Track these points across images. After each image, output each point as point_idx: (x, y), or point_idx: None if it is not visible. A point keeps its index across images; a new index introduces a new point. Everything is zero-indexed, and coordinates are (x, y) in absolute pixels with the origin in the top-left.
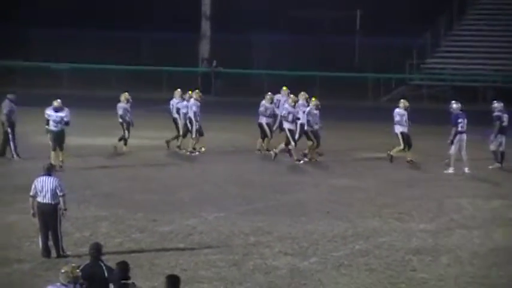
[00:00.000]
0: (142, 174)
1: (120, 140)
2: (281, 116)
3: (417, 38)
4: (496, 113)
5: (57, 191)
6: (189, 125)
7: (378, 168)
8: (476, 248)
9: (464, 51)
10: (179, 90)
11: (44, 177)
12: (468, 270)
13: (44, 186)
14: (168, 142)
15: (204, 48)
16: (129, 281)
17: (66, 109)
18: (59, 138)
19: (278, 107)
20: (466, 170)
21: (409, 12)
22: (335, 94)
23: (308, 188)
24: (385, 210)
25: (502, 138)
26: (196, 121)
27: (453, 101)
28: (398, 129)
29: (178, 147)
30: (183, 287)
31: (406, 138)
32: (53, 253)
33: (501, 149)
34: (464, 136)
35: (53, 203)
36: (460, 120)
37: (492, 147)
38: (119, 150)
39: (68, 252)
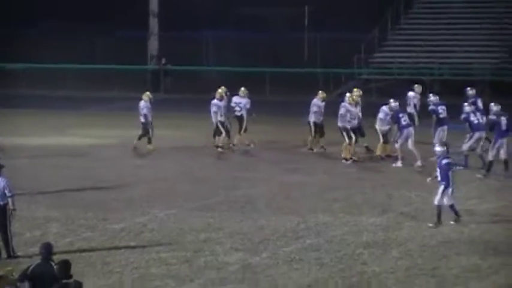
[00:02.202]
0: (92, 172)
1: (139, 139)
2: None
3: (365, 32)
4: (430, 107)
5: (6, 191)
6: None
7: (328, 163)
8: (426, 241)
9: (411, 44)
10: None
11: None
12: (418, 263)
13: None
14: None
15: (153, 46)
16: (71, 280)
17: None
18: None
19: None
20: (419, 163)
21: (356, 7)
22: (285, 90)
23: (259, 183)
24: (336, 205)
25: (444, 131)
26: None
27: (391, 100)
28: (340, 122)
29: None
30: (135, 285)
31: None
32: (4, 254)
33: (444, 140)
34: (411, 129)
35: (1, 203)
36: (401, 115)
37: (435, 141)
38: (147, 150)
39: (19, 253)
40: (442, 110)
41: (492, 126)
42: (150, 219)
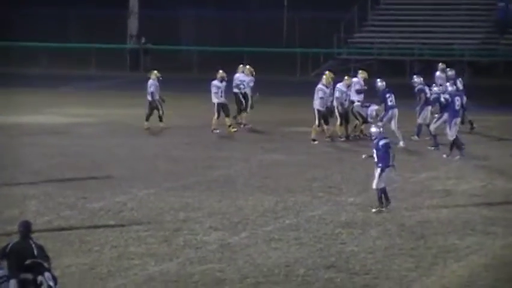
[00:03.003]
0: (71, 151)
1: (147, 119)
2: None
3: (345, 12)
4: (418, 87)
5: None
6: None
7: (308, 143)
8: (404, 221)
9: (391, 25)
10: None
11: None
12: (397, 242)
13: None
14: (235, 117)
15: (132, 25)
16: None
17: None
18: None
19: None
20: (401, 143)
21: None
22: (264, 69)
23: (238, 163)
24: (315, 184)
25: (428, 111)
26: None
27: (378, 79)
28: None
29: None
30: (114, 263)
31: (323, 114)
32: None
33: (427, 121)
34: (396, 110)
35: None
36: (388, 95)
37: (419, 120)
38: (159, 128)
39: None
40: (427, 89)
41: (445, 106)
42: (129, 199)
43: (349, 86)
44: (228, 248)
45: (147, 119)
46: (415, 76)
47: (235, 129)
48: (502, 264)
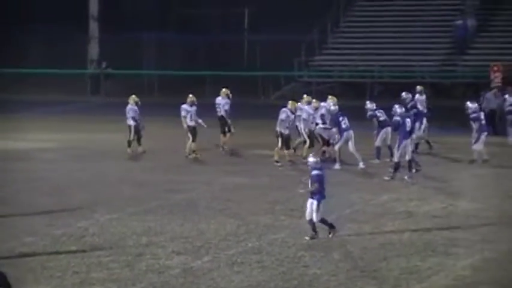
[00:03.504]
0: (33, 176)
1: (139, 143)
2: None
3: (305, 34)
4: (369, 113)
5: None
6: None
7: (269, 166)
8: (366, 243)
9: (351, 47)
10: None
11: None
12: (359, 265)
13: None
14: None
15: (93, 50)
16: None
17: None
18: None
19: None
20: (361, 165)
21: (296, 9)
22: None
23: (200, 186)
24: (277, 207)
25: (387, 134)
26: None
27: (331, 103)
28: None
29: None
30: None
31: (286, 138)
32: None
33: (388, 142)
34: (351, 132)
35: None
36: (341, 118)
37: (376, 143)
38: (139, 151)
39: None
40: (380, 113)
41: (396, 128)
42: (91, 224)
43: (316, 109)
44: (191, 273)
45: (130, 145)
46: (367, 102)
47: (199, 155)
48: (463, 285)
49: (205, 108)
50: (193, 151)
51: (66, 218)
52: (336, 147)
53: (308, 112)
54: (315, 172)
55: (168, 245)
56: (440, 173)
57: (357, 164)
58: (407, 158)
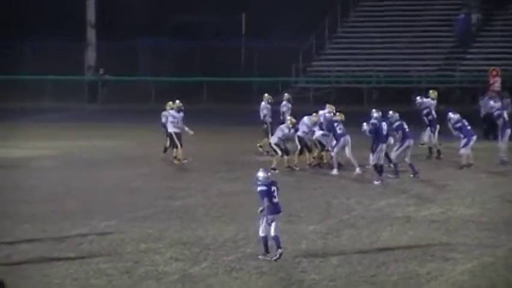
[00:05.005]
0: (29, 184)
1: (175, 148)
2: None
3: (302, 41)
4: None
5: None
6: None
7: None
8: (365, 248)
9: (349, 53)
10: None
11: None
12: (358, 270)
13: None
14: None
15: (90, 56)
16: None
17: None
18: None
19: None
20: (358, 170)
21: (293, 16)
22: (221, 99)
23: (197, 193)
24: None
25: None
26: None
27: (326, 111)
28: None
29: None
30: None
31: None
32: None
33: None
34: (348, 137)
35: None
36: (336, 124)
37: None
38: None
39: None
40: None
41: (372, 131)
42: (89, 231)
43: (315, 123)
44: (189, 279)
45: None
46: (374, 110)
47: (186, 160)
48: None
49: (203, 115)
50: (176, 157)
51: (63, 225)
52: (333, 152)
53: (307, 125)
54: (260, 188)
55: (166, 251)
56: (438, 178)
57: (354, 170)
58: (381, 162)
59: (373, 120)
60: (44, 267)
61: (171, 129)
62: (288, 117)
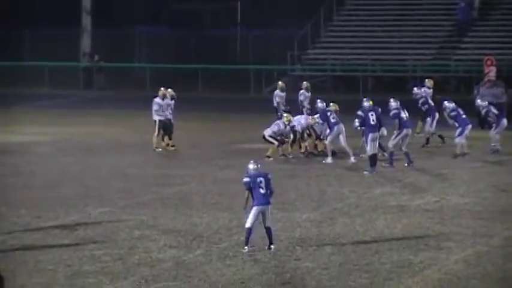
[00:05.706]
0: (25, 170)
1: (170, 138)
2: None
3: (298, 29)
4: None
5: None
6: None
7: (262, 160)
8: (359, 237)
9: (344, 41)
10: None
11: None
12: (351, 258)
13: None
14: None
15: (86, 43)
16: None
17: None
18: None
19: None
20: (352, 159)
21: (289, 3)
22: (218, 87)
23: (192, 180)
24: None
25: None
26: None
27: (318, 100)
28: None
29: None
30: (68, 282)
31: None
32: None
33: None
34: (341, 126)
35: None
36: (329, 113)
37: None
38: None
39: None
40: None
41: (362, 122)
42: (83, 217)
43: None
44: (183, 266)
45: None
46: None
47: (174, 147)
48: (456, 279)
49: (198, 103)
50: (168, 144)
51: (58, 211)
52: (327, 141)
53: (302, 127)
54: (244, 179)
55: (160, 238)
56: (433, 167)
57: (348, 159)
58: (376, 151)
59: (358, 112)
60: (38, 254)
61: (154, 116)
62: (306, 106)
